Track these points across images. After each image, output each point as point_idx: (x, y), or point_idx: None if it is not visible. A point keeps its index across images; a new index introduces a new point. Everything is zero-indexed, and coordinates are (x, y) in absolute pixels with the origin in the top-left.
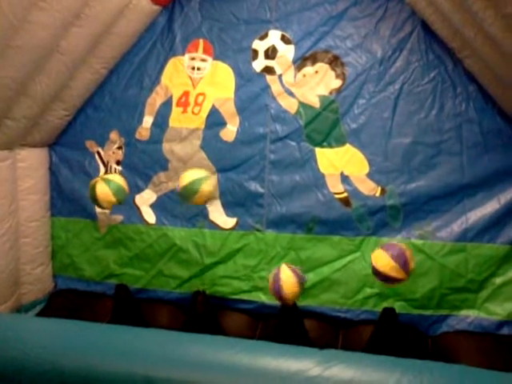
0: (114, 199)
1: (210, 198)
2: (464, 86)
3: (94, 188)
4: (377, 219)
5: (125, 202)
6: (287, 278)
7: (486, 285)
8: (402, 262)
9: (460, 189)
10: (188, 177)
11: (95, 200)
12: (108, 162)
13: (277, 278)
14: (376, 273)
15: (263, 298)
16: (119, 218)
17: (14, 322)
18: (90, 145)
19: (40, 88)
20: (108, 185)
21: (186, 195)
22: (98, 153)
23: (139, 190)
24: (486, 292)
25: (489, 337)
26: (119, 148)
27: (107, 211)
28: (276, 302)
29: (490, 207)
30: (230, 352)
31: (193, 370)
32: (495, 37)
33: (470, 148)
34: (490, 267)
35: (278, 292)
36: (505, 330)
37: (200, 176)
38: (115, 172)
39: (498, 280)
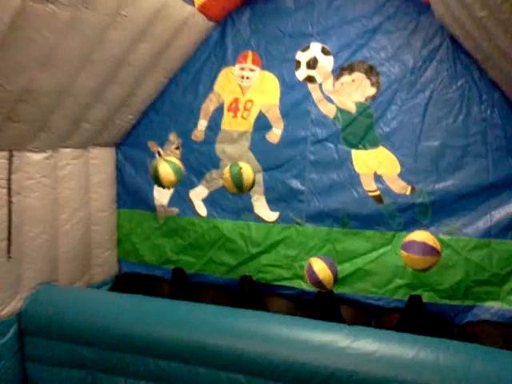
0: (174, 179)
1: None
2: (489, 93)
3: (156, 168)
4: (407, 216)
5: (180, 197)
6: (320, 267)
7: (509, 278)
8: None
9: (485, 189)
10: (227, 179)
11: (158, 179)
12: None
13: (311, 272)
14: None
15: (303, 284)
16: (175, 210)
17: (90, 295)
18: (152, 145)
19: (111, 95)
20: (170, 165)
21: (238, 190)
22: (158, 152)
23: (193, 186)
24: (508, 285)
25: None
26: (177, 148)
27: (165, 204)
28: (314, 289)
29: None
30: (272, 325)
31: (239, 338)
32: (508, 52)
33: (495, 151)
34: None
35: (317, 282)
36: None
37: (234, 171)
38: None
39: None
